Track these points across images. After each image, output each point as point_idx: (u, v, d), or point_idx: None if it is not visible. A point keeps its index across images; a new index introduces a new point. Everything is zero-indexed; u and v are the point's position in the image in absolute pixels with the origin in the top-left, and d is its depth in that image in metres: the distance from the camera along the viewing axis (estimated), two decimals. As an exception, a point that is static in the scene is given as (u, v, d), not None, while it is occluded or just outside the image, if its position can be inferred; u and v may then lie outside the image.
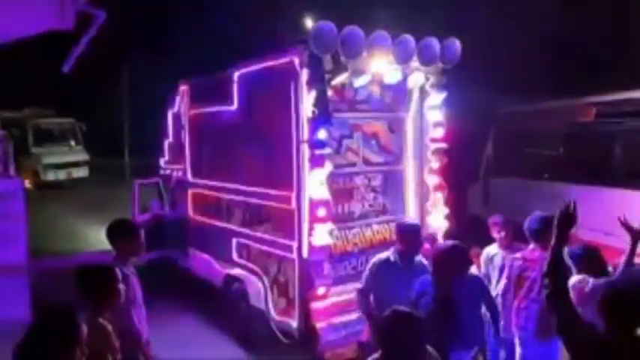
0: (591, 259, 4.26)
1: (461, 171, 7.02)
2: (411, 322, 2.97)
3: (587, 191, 6.91)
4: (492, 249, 5.74)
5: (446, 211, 6.37)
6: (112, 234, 4.23)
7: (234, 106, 6.67)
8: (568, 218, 3.27)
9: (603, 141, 7.01)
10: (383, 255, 4.90)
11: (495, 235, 5.72)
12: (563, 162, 7.80)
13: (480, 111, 9.26)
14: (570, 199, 3.40)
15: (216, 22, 23.25)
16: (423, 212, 6.50)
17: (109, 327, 3.39)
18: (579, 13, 12.63)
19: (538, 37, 13.18)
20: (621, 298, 2.95)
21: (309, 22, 22.75)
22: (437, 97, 6.25)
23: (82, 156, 22.96)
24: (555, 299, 3.11)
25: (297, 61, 5.49)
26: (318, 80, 5.40)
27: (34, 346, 2.47)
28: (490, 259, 5.67)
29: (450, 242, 4.49)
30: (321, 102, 5.39)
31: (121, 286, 3.59)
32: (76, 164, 22.37)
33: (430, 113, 6.35)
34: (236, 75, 6.57)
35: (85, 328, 2.56)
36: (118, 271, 3.59)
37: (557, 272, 3.19)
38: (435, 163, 6.34)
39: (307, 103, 5.48)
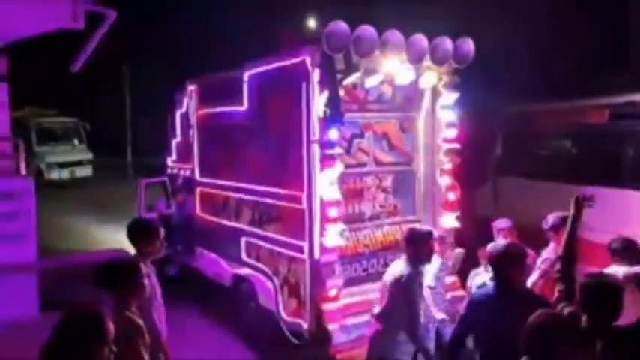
0: (630, 250, 4.54)
1: (469, 171, 6.97)
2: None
3: (598, 192, 6.86)
4: None
5: (458, 212, 6.33)
6: (133, 233, 4.21)
7: (245, 106, 6.64)
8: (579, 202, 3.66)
9: (616, 142, 6.97)
10: (399, 272, 4.53)
11: (501, 240, 5.68)
12: (575, 163, 7.76)
13: (488, 110, 9.20)
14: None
15: (219, 22, 23.29)
16: (434, 213, 6.45)
17: (140, 321, 3.38)
18: (590, 13, 12.59)
19: (548, 36, 13.14)
20: (592, 288, 3.07)
21: (311, 22, 22.86)
22: (449, 97, 6.22)
23: (86, 155, 22.94)
24: (565, 278, 3.45)
25: (309, 60, 5.46)
26: (330, 80, 5.37)
27: (61, 346, 2.44)
28: None
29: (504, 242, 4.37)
30: (333, 102, 5.36)
31: (146, 281, 3.56)
32: (79, 163, 22.35)
33: (442, 113, 6.31)
34: (246, 75, 6.55)
35: (112, 327, 2.53)
36: (142, 265, 3.58)
37: (570, 256, 3.52)
38: (447, 164, 6.30)
39: (319, 102, 5.45)
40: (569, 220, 3.67)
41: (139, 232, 4.21)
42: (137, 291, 3.48)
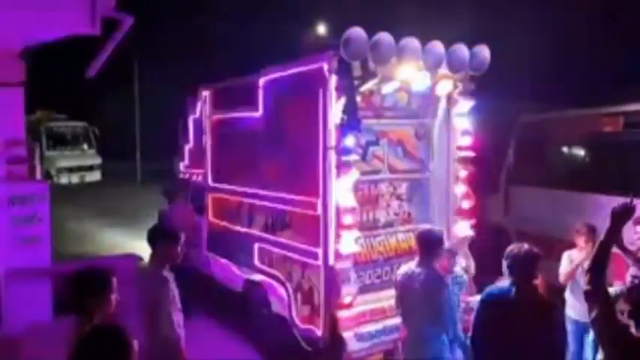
0: None
1: (480, 179, 6.96)
2: None
3: (611, 202, 6.82)
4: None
5: (472, 220, 6.30)
6: (154, 238, 4.21)
7: (260, 112, 6.65)
8: (627, 211, 3.24)
9: (631, 150, 6.94)
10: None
11: (580, 242, 5.46)
12: (587, 172, 7.74)
13: (500, 118, 9.19)
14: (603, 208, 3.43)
15: (229, 27, 23.42)
16: (448, 221, 6.43)
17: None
18: (602, 23, 12.60)
19: (561, 44, 13.15)
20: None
21: (321, 28, 22.93)
22: (465, 105, 6.21)
23: (95, 160, 23.07)
24: (595, 297, 3.17)
25: (326, 67, 5.46)
26: (348, 86, 5.37)
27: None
28: None
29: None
30: (350, 108, 5.36)
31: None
32: (89, 168, 22.48)
33: (457, 121, 6.30)
34: (262, 81, 6.56)
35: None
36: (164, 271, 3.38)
37: (600, 268, 3.23)
38: (461, 172, 6.28)
39: (335, 109, 5.45)
40: (603, 237, 3.31)
41: (159, 237, 4.20)
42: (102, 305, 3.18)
